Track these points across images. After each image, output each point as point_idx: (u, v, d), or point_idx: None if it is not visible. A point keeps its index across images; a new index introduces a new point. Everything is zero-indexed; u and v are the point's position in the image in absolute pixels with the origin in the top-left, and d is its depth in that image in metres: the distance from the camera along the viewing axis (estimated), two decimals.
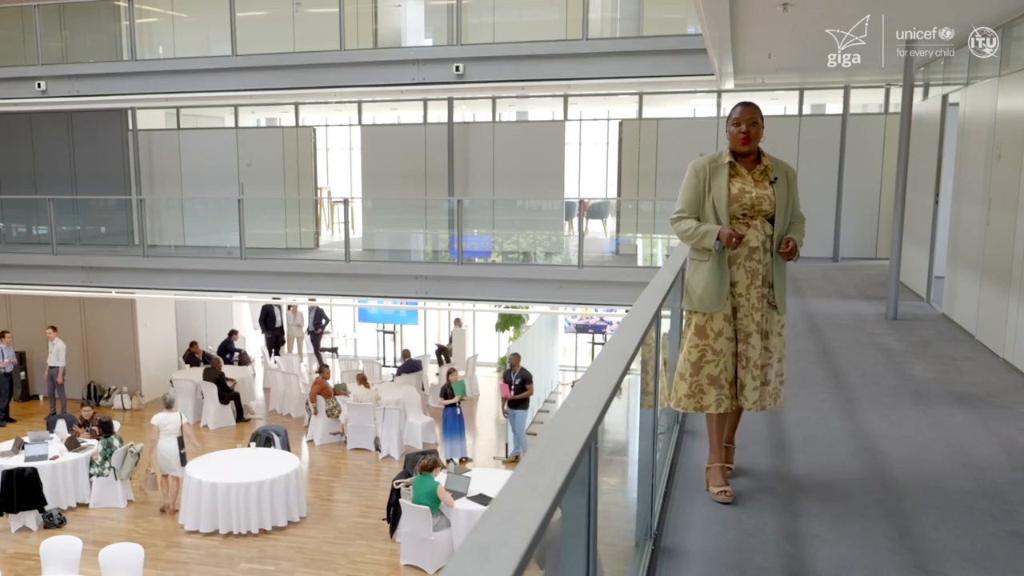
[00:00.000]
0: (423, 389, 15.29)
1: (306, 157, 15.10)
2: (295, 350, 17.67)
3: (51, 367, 14.21)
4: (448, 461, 11.57)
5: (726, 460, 3.71)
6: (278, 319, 17.58)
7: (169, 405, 10.70)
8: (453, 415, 12.14)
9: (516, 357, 12.18)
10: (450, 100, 13.84)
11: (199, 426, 14.15)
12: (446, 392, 12.19)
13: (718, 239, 3.42)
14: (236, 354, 16.55)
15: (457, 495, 9.04)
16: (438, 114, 15.16)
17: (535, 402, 13.04)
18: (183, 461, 10.40)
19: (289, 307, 17.59)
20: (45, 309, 15.72)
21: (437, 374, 16.26)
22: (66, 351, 14.37)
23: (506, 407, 12.18)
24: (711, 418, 3.59)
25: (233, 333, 16.85)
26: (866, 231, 12.50)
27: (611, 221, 14.33)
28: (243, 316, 19.07)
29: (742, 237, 3.42)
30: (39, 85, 13.75)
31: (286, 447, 11.47)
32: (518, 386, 11.95)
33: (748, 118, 3.48)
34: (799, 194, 3.62)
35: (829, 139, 12.41)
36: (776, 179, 3.49)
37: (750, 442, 3.61)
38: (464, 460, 12.20)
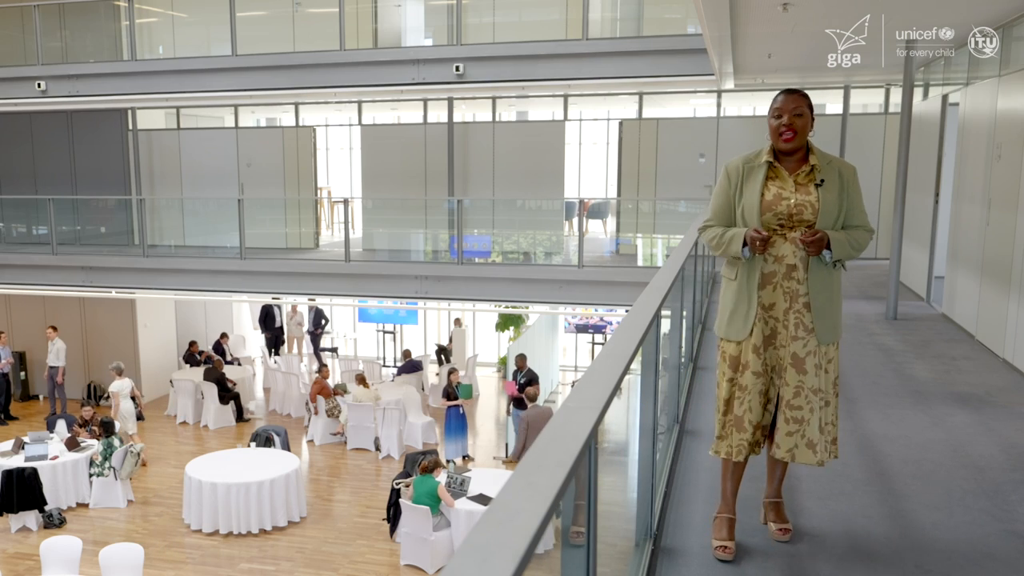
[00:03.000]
0: (423, 389, 15.29)
1: (306, 157, 15.10)
2: (295, 350, 17.67)
3: (51, 367, 14.21)
4: (448, 462, 11.58)
5: (777, 519, 3.19)
6: (278, 319, 17.57)
7: (120, 372, 12.75)
8: (456, 415, 12.16)
9: (522, 358, 12.19)
10: (450, 100, 13.84)
11: (199, 426, 14.16)
12: (449, 393, 12.19)
13: (745, 244, 2.91)
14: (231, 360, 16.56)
15: (457, 495, 9.04)
16: (438, 114, 15.16)
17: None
18: (139, 417, 13.14)
19: (292, 307, 17.57)
20: (45, 309, 15.71)
21: (437, 374, 16.26)
22: (66, 351, 14.38)
23: (510, 407, 12.19)
24: (726, 463, 3.10)
25: (224, 336, 16.81)
26: None
27: (611, 221, 14.33)
28: (243, 316, 19.07)
29: (768, 239, 2.88)
30: (39, 85, 13.75)
31: (286, 447, 11.47)
32: (523, 386, 11.96)
33: (792, 108, 2.89)
34: (862, 199, 3.00)
35: (829, 139, 12.41)
36: (823, 181, 2.90)
37: None
38: (466, 458, 12.23)
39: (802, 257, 2.91)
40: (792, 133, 2.88)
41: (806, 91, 2.98)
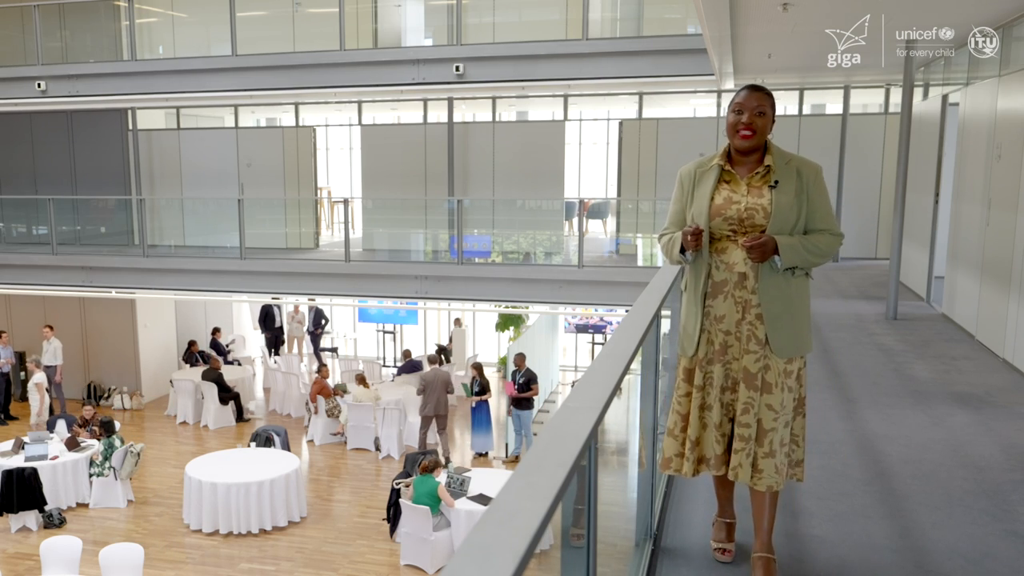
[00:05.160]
0: None
1: (306, 157, 15.10)
2: (295, 350, 17.67)
3: (47, 366, 14.23)
4: (480, 455, 12.37)
5: (764, 552, 2.84)
6: (278, 319, 17.58)
7: (38, 365, 13.70)
8: (484, 410, 12.43)
9: (521, 357, 12.22)
10: (450, 100, 13.84)
11: (199, 426, 14.16)
12: (482, 387, 12.47)
13: (683, 248, 2.73)
14: (229, 348, 16.59)
15: (457, 495, 9.05)
16: (438, 114, 15.16)
17: (536, 402, 13.11)
18: (51, 410, 13.87)
19: (295, 307, 17.57)
20: (45, 309, 15.72)
21: None
22: (62, 349, 14.38)
23: (510, 407, 12.25)
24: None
25: (216, 331, 16.81)
26: (866, 231, 12.50)
27: (611, 221, 14.34)
28: (243, 316, 19.08)
29: (699, 233, 2.68)
30: (39, 85, 13.75)
31: (286, 447, 11.47)
32: (522, 385, 11.99)
33: (754, 106, 2.70)
34: (827, 200, 2.77)
35: (829, 139, 12.42)
36: (777, 183, 2.69)
37: None
38: (482, 455, 12.51)
39: (753, 264, 2.68)
40: (751, 132, 2.69)
41: (770, 90, 2.78)
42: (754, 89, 2.73)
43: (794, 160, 2.75)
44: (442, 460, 10.06)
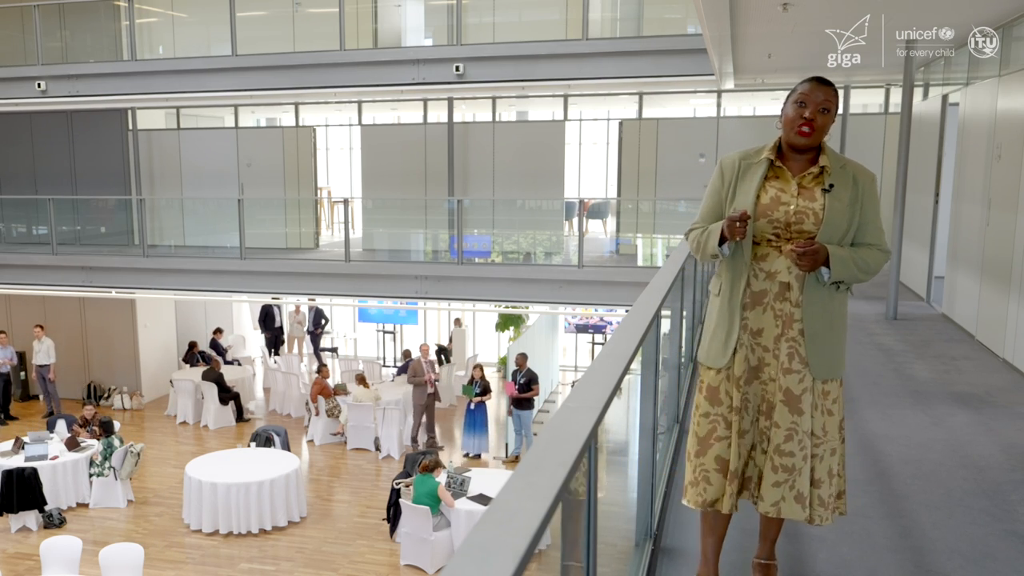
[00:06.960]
0: None
1: (306, 157, 15.11)
2: (295, 350, 17.67)
3: (40, 366, 14.23)
4: (466, 455, 12.32)
5: (767, 558, 2.75)
6: (277, 319, 17.58)
7: None
8: (481, 410, 12.45)
9: (523, 357, 12.21)
10: (450, 100, 13.84)
11: (199, 426, 14.15)
12: (484, 388, 12.50)
13: (724, 241, 2.47)
14: (227, 351, 16.60)
15: (457, 495, 9.05)
16: (438, 114, 15.16)
17: (536, 402, 13.12)
18: None
19: (296, 307, 17.57)
20: (45, 309, 15.72)
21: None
22: (55, 348, 14.37)
23: (511, 407, 12.24)
24: (705, 515, 2.66)
25: (217, 332, 16.80)
26: None
27: (611, 221, 14.34)
28: (243, 316, 19.08)
29: (747, 219, 2.41)
30: (39, 85, 13.75)
31: (286, 447, 11.47)
32: (523, 386, 11.99)
33: (819, 100, 2.44)
34: (879, 213, 2.52)
35: (829, 139, 12.37)
36: (831, 187, 2.45)
37: None
38: (476, 457, 12.49)
39: (798, 274, 2.45)
40: (811, 129, 2.44)
41: (837, 86, 2.53)
42: (820, 82, 2.47)
43: (849, 165, 2.53)
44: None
